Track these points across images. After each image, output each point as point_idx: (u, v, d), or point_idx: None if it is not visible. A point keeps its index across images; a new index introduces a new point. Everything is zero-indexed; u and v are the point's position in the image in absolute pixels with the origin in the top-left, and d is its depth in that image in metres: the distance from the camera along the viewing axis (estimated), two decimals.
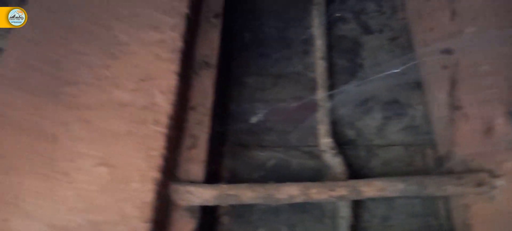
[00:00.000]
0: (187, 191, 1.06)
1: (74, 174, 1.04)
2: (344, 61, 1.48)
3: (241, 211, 1.17)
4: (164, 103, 1.16)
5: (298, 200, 1.07)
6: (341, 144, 1.27)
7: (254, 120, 1.35)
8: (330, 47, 1.48)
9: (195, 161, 1.15)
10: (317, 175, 1.22)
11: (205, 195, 1.06)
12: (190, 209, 1.06)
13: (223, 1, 1.50)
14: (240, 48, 1.53)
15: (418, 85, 1.39)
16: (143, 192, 1.01)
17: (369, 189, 1.07)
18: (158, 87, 1.19)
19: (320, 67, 1.40)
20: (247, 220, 1.17)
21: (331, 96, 1.35)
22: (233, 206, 1.18)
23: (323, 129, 1.27)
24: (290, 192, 1.06)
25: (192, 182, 1.10)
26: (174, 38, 1.29)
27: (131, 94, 1.18)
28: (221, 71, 1.37)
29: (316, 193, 1.07)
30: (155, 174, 1.03)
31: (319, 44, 1.45)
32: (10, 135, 1.11)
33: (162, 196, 1.04)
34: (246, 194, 1.06)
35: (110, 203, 1.00)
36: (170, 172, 1.10)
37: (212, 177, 1.17)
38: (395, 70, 1.38)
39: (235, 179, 1.23)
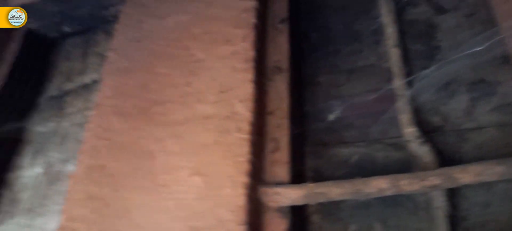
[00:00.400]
0: (276, 192, 1.10)
1: (173, 185, 1.14)
2: (419, 46, 1.42)
3: (330, 208, 1.18)
4: (244, 112, 1.21)
5: (388, 193, 1.05)
6: (427, 131, 1.22)
7: (331, 117, 1.35)
8: (402, 34, 1.44)
9: (279, 163, 1.18)
10: (405, 167, 1.19)
11: (293, 195, 1.09)
12: (281, 210, 1.09)
13: (287, 6, 1.53)
14: (309, 48, 1.54)
15: (505, 60, 1.28)
16: (236, 197, 1.07)
17: (465, 175, 1.02)
18: (237, 97, 1.25)
19: (394, 55, 1.37)
20: (337, 217, 1.17)
21: (409, 84, 1.30)
22: (321, 204, 1.19)
23: (405, 118, 1.23)
24: (379, 185, 1.05)
25: (279, 184, 1.14)
26: (246, 48, 1.35)
27: (213, 106, 1.26)
28: (293, 74, 1.40)
29: (407, 184, 1.04)
30: (244, 179, 1.09)
31: (390, 32, 1.42)
32: (115, 155, 1.25)
33: (253, 199, 1.09)
34: (334, 190, 1.07)
35: (207, 209, 1.08)
36: (257, 176, 1.14)
37: (297, 178, 1.20)
38: (478, 48, 1.29)
39: (319, 177, 1.25)
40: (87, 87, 1.84)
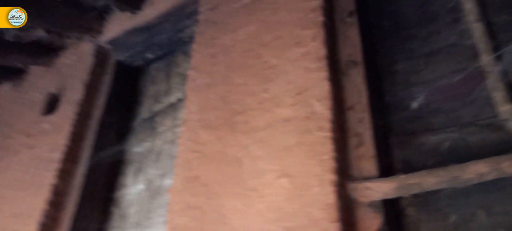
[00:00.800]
0: (366, 187, 1.09)
1: (262, 189, 1.19)
2: (506, 16, 1.30)
3: (426, 199, 1.13)
4: (323, 110, 1.22)
5: (489, 177, 0.98)
6: None
7: (415, 105, 1.30)
8: (484, 6, 1.33)
9: (365, 158, 1.17)
10: (504, 148, 1.10)
11: (384, 188, 1.07)
12: (373, 205, 1.08)
13: None
14: (381, 38, 1.50)
15: None
16: (324, 195, 1.08)
17: None
18: (314, 97, 1.26)
19: (477, 31, 1.27)
20: (435, 208, 1.12)
21: (498, 59, 1.20)
22: (416, 196, 1.15)
23: (499, 95, 1.14)
24: (478, 170, 0.98)
25: (368, 178, 1.12)
26: (317, 47, 1.36)
27: (292, 108, 1.29)
28: (368, 66, 1.37)
29: (510, 166, 0.96)
30: (331, 176, 1.10)
31: (470, 7, 1.32)
32: (207, 166, 1.34)
33: (343, 195, 1.09)
34: (428, 180, 1.03)
35: (297, 209, 1.11)
36: (344, 172, 1.15)
37: (385, 171, 1.18)
38: None
39: (409, 168, 1.20)
40: (174, 106, 2.00)
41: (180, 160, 1.44)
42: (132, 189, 1.93)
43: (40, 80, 2.64)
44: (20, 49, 2.51)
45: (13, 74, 2.82)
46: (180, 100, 1.96)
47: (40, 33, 2.42)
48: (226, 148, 1.35)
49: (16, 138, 2.48)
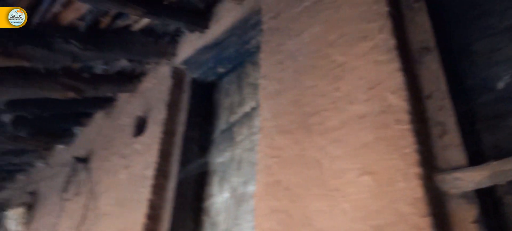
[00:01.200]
0: (455, 177, 1.04)
1: (344, 188, 1.20)
2: None
3: None
4: (399, 102, 1.19)
5: None
6: None
7: (501, 85, 1.20)
8: None
9: (451, 147, 1.12)
10: None
11: (476, 177, 1.01)
12: (466, 196, 1.03)
13: None
14: (453, 18, 1.41)
15: None
16: (411, 189, 1.05)
17: None
18: (388, 89, 1.24)
19: None
20: None
21: None
22: None
23: None
24: None
25: (456, 168, 1.07)
26: (385, 39, 1.33)
27: (366, 104, 1.28)
28: (442, 50, 1.30)
29: None
30: (416, 169, 1.07)
31: None
32: (286, 170, 1.38)
33: (431, 188, 1.06)
34: None
35: (384, 206, 1.09)
36: (429, 164, 1.11)
37: (475, 159, 1.11)
38: None
39: (501, 154, 1.12)
40: (248, 115, 2.08)
41: (261, 166, 1.50)
42: (219, 198, 2.05)
43: (128, 105, 2.93)
44: (108, 80, 2.82)
45: (104, 103, 3.17)
46: (253, 109, 2.04)
47: (123, 63, 2.69)
48: (303, 150, 1.38)
49: (114, 160, 2.78)
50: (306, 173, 1.33)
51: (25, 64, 2.12)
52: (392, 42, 1.30)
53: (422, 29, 1.34)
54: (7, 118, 2.98)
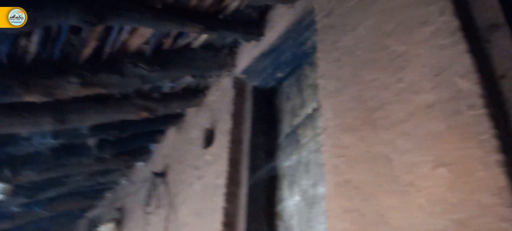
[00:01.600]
0: None
1: (418, 182, 1.15)
2: None
3: None
4: (470, 86, 1.12)
5: None
6: None
7: None
8: None
9: None
10: None
11: None
12: None
13: None
14: None
15: None
16: (493, 178, 0.98)
17: None
18: (456, 74, 1.17)
19: None
20: None
21: None
22: None
23: None
24: None
25: None
26: (447, 21, 1.25)
27: (433, 92, 1.22)
28: None
29: None
30: (497, 157, 0.99)
31: None
32: (354, 168, 1.37)
33: None
34: None
35: (463, 198, 1.03)
36: (511, 149, 1.02)
37: None
38: None
39: None
40: (311, 117, 2.08)
41: (328, 167, 1.50)
42: (290, 202, 2.07)
43: (196, 119, 3.08)
44: (176, 97, 3.00)
45: (175, 119, 3.38)
46: (315, 110, 2.03)
47: (188, 80, 2.84)
48: (370, 146, 1.35)
49: (188, 172, 2.94)
50: (376, 169, 1.30)
51: (102, 91, 2.34)
52: (455, 23, 1.23)
53: (487, 6, 1.24)
54: (92, 142, 3.30)
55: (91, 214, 5.60)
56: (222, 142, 2.48)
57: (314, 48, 1.92)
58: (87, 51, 2.13)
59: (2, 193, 3.36)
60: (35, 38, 1.87)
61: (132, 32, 2.13)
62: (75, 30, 1.93)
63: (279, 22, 2.17)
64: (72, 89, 2.18)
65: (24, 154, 3.11)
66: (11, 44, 1.86)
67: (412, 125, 1.23)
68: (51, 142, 2.95)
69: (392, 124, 1.30)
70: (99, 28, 1.99)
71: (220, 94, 2.74)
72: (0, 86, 1.98)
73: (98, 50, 2.16)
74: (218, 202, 2.24)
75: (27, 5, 1.59)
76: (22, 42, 1.89)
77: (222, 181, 2.29)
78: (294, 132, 2.22)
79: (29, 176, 3.39)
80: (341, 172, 1.43)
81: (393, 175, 1.23)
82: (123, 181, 4.64)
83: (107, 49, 2.18)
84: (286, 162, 2.22)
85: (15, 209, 4.24)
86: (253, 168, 2.27)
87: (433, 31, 1.29)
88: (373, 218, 1.24)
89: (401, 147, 1.24)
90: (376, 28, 1.50)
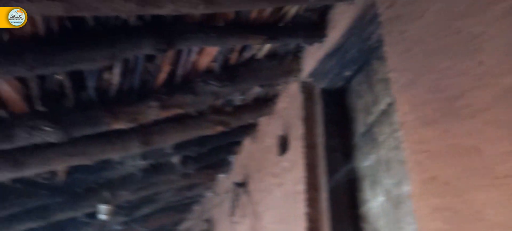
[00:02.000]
0: None
1: None
2: None
3: None
4: None
5: None
6: None
7: None
8: None
9: None
10: None
11: None
12: None
13: None
14: None
15: None
16: None
17: None
18: None
19: None
20: None
21: None
22: None
23: None
24: None
25: None
26: None
27: None
28: None
29: None
30: None
31: None
32: (440, 163, 1.29)
33: None
34: None
35: None
36: None
37: None
38: None
39: None
40: (386, 113, 2.00)
41: (411, 164, 1.43)
42: (374, 203, 2.01)
43: (269, 127, 3.14)
44: (248, 108, 3.10)
45: (249, 129, 3.48)
46: (390, 105, 1.94)
47: (257, 90, 2.91)
48: (455, 139, 1.26)
49: (267, 180, 3.01)
50: (464, 163, 1.21)
51: (180, 111, 2.51)
52: None
53: None
54: (176, 159, 3.55)
55: (182, 227, 5.98)
56: (296, 147, 2.49)
57: (380, 42, 1.84)
58: (162, 75, 2.30)
59: (105, 214, 3.74)
60: (117, 71, 2.08)
61: (200, 52, 2.26)
62: (150, 58, 2.10)
63: (341, 20, 2.12)
64: (152, 113, 2.38)
65: (119, 176, 3.46)
66: (97, 79, 2.09)
67: (500, 110, 1.13)
68: (141, 163, 3.24)
69: (476, 112, 1.21)
70: (170, 53, 2.14)
71: (290, 101, 2.76)
72: (92, 119, 2.23)
73: (171, 74, 2.32)
74: (300, 208, 2.25)
75: (109, 44, 1.80)
76: (106, 75, 2.10)
77: (301, 186, 2.30)
78: (369, 130, 2.15)
79: (125, 196, 3.76)
80: (425, 168, 1.36)
81: (484, 167, 1.14)
82: (209, 194, 4.89)
83: (180, 71, 2.33)
84: (365, 162, 2.15)
85: (117, 228, 4.70)
86: (331, 171, 2.24)
87: (511, 6, 1.17)
88: (468, 215, 1.16)
89: (490, 135, 1.14)
90: (446, 12, 1.41)
